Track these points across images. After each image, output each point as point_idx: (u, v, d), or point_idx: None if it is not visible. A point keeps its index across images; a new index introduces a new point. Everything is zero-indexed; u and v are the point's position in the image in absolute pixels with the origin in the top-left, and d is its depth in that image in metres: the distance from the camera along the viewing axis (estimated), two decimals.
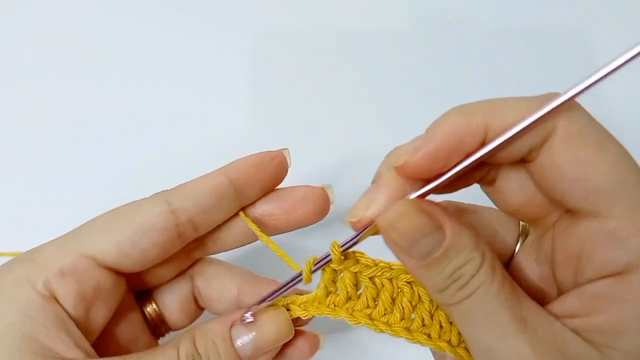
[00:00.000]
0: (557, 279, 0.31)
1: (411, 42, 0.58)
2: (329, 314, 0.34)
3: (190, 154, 0.53)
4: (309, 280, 0.34)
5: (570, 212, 0.30)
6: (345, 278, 0.34)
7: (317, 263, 0.34)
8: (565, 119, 0.28)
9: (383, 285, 0.34)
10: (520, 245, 0.34)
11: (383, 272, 0.33)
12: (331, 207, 0.39)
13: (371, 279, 0.34)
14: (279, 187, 0.39)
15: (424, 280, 0.30)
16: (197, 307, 0.41)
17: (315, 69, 0.57)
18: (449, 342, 0.33)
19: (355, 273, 0.34)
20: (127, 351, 0.35)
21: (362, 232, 0.31)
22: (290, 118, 0.55)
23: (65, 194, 0.51)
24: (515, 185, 0.32)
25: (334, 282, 0.34)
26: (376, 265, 0.34)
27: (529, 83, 0.55)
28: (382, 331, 0.33)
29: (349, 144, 0.54)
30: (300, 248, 0.45)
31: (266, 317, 0.35)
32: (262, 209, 0.38)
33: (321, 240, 0.48)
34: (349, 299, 0.34)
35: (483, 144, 0.28)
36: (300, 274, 0.34)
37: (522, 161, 0.30)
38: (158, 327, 0.40)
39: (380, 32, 0.58)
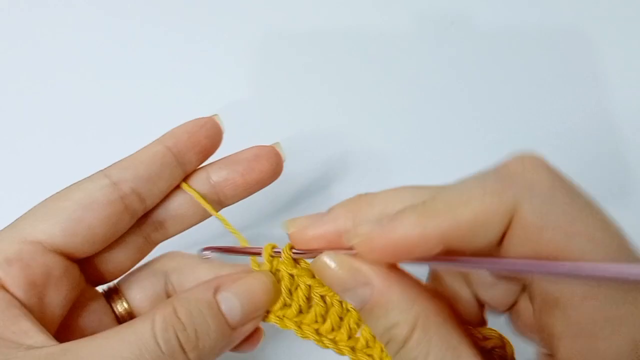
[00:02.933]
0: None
1: (413, 43, 0.58)
2: (276, 324, 0.34)
3: None
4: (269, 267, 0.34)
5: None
6: (299, 291, 0.34)
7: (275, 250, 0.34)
8: (528, 203, 0.26)
9: (333, 305, 0.34)
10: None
11: (335, 294, 0.33)
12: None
13: (322, 297, 0.34)
14: (230, 154, 0.39)
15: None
16: None
17: (317, 70, 0.57)
18: None
19: (309, 286, 0.34)
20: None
21: (302, 252, 0.32)
22: (290, 118, 0.55)
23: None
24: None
25: (290, 292, 0.34)
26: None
27: (532, 83, 0.56)
28: (327, 347, 0.33)
29: (350, 144, 0.54)
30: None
31: (252, 279, 0.34)
32: (217, 175, 0.38)
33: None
34: (300, 312, 0.34)
35: (443, 251, 0.26)
36: (260, 250, 0.34)
37: None
38: None
39: (382, 33, 0.59)
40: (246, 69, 0.57)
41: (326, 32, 0.58)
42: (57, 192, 0.34)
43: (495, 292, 0.31)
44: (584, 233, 0.25)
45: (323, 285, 0.33)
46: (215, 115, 0.38)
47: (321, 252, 0.31)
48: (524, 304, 0.31)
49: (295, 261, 0.34)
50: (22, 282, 0.31)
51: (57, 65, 0.56)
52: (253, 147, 0.39)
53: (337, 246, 0.30)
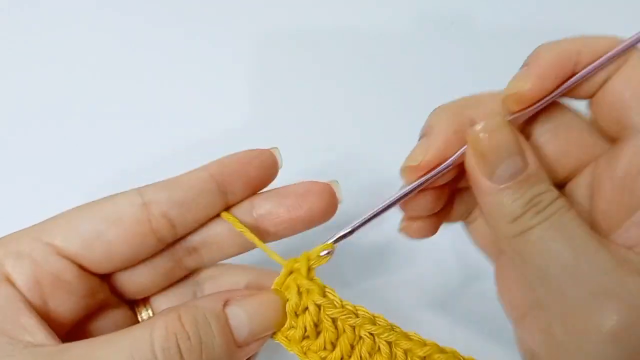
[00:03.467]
0: (598, 216, 0.31)
1: (413, 43, 0.58)
2: (282, 343, 0.32)
3: (188, 155, 0.50)
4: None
5: (621, 137, 0.30)
6: (307, 315, 0.32)
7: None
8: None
9: (344, 331, 0.32)
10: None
11: (348, 317, 0.31)
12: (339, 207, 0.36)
13: (334, 320, 0.31)
14: (280, 187, 0.36)
15: (498, 206, 0.29)
16: None
17: (317, 70, 0.57)
18: None
19: (319, 307, 0.31)
20: None
21: (419, 183, 0.31)
22: (291, 119, 0.55)
23: (61, 194, 0.48)
24: (547, 137, 0.32)
25: (297, 314, 0.32)
26: (342, 307, 0.32)
27: None
28: None
29: (351, 145, 0.54)
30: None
31: (265, 297, 0.32)
32: (261, 208, 0.35)
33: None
34: (305, 337, 0.32)
35: (573, 74, 0.30)
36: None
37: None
38: None
39: (382, 33, 0.59)
40: (246, 69, 0.57)
41: (326, 32, 0.59)
42: (89, 202, 0.33)
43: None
44: None
45: (335, 307, 0.31)
46: (275, 148, 0.36)
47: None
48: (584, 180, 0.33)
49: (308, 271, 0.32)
50: (27, 278, 0.31)
51: (57, 66, 0.57)
52: (305, 181, 0.36)
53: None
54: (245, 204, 0.35)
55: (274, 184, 0.37)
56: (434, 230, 0.35)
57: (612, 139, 0.31)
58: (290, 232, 0.35)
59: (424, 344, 0.31)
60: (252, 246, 0.36)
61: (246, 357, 0.32)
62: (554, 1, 0.60)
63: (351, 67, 0.57)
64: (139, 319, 0.36)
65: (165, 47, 0.58)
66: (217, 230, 0.35)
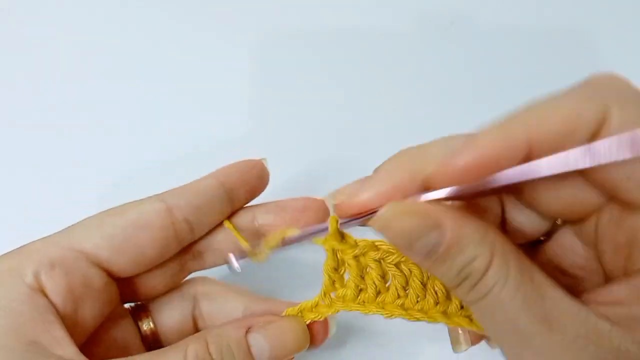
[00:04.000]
0: (603, 265, 0.30)
1: (413, 43, 0.58)
2: (357, 310, 0.33)
3: (188, 157, 0.53)
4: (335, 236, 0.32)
5: (621, 203, 0.28)
6: (372, 272, 0.32)
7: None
8: (618, 108, 0.26)
9: (411, 272, 0.32)
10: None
11: (408, 258, 0.31)
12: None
13: (397, 265, 0.32)
14: (279, 199, 0.39)
15: (435, 275, 0.29)
16: (195, 330, 0.39)
17: (316, 71, 0.57)
18: None
19: (380, 262, 0.32)
20: None
21: (348, 220, 0.30)
22: (291, 119, 0.55)
23: (63, 197, 0.51)
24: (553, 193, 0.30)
25: (336, 269, 0.33)
26: (399, 251, 0.32)
27: (533, 82, 0.54)
28: (417, 319, 0.32)
29: (352, 145, 0.54)
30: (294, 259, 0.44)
31: (283, 324, 0.34)
32: (262, 219, 0.38)
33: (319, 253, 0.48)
34: (378, 292, 0.32)
35: (526, 159, 0.26)
36: (325, 227, 0.32)
37: None
38: (152, 346, 0.38)
39: (382, 33, 0.59)
40: (246, 69, 0.57)
41: (326, 32, 0.58)
42: (112, 208, 0.35)
43: (535, 218, 0.31)
44: None
45: (393, 253, 0.32)
46: (264, 159, 0.39)
47: (371, 214, 0.29)
48: (564, 234, 0.31)
49: (342, 236, 0.32)
50: (61, 289, 0.31)
51: (56, 65, 0.57)
52: (303, 198, 0.38)
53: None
54: (247, 214, 0.38)
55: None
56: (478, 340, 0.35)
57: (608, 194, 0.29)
58: (287, 243, 0.38)
59: None
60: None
61: None
62: (554, 1, 0.59)
63: (351, 67, 0.58)
64: (140, 328, 0.37)
65: (165, 49, 0.58)
66: (220, 237, 0.38)
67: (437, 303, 0.32)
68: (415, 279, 0.32)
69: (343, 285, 0.33)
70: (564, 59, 0.57)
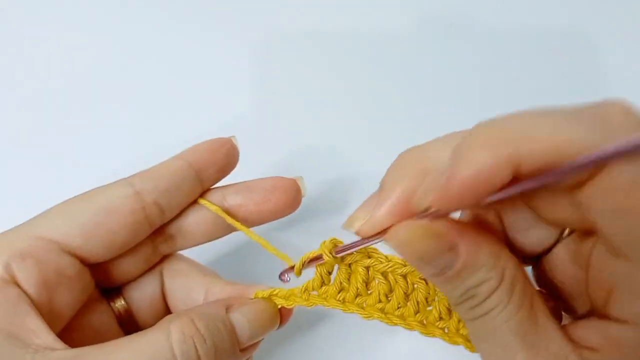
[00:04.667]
0: (588, 290, 0.29)
1: (413, 44, 0.58)
2: (337, 307, 0.34)
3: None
4: (299, 274, 0.34)
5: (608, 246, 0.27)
6: (357, 275, 0.33)
7: (310, 261, 0.34)
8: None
9: (396, 282, 0.33)
10: (566, 236, 0.31)
11: (396, 268, 0.33)
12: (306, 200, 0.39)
13: (384, 274, 0.33)
14: (248, 180, 0.39)
15: (440, 290, 0.30)
16: (166, 308, 0.39)
17: (317, 71, 0.57)
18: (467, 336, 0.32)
19: (368, 268, 0.33)
20: None
21: (358, 246, 0.31)
22: (291, 120, 0.55)
23: (65, 191, 0.50)
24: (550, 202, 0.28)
25: (329, 273, 0.34)
26: (389, 261, 0.33)
27: (533, 83, 0.55)
28: (395, 324, 0.33)
29: (353, 145, 0.54)
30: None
31: (259, 305, 0.35)
32: (232, 199, 0.38)
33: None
34: (358, 295, 0.34)
35: (516, 179, 0.24)
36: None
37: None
38: (127, 325, 0.38)
39: (382, 34, 0.58)
40: (247, 69, 0.56)
41: (326, 33, 0.58)
42: (78, 195, 0.35)
43: (533, 234, 0.30)
44: None
45: (382, 262, 0.33)
46: (233, 136, 0.39)
47: (380, 237, 0.29)
48: (562, 250, 0.30)
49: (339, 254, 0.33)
50: (34, 279, 0.31)
51: (58, 62, 0.56)
52: (272, 177, 0.39)
53: (407, 217, 0.28)
54: (217, 194, 0.38)
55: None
56: None
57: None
58: (258, 222, 0.39)
59: None
60: (222, 234, 0.39)
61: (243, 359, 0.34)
62: (554, 1, 0.59)
63: (351, 68, 0.57)
64: (113, 308, 0.37)
65: (168, 47, 0.58)
66: (193, 219, 0.38)
67: (416, 312, 0.33)
68: (399, 288, 0.33)
69: (328, 284, 0.34)
70: (564, 59, 0.57)
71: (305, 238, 0.49)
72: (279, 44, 0.58)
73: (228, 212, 0.38)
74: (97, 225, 0.33)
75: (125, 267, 0.37)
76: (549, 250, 0.31)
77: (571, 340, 0.27)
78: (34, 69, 0.56)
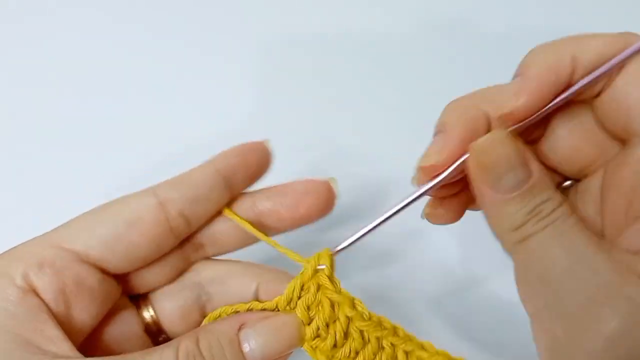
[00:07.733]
0: (605, 220, 0.31)
1: (413, 44, 0.58)
2: (306, 351, 0.33)
3: (190, 157, 0.51)
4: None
5: (627, 144, 0.30)
6: (338, 324, 0.33)
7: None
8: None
9: (369, 341, 0.33)
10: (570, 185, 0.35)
11: (375, 329, 0.33)
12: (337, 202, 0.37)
13: (361, 332, 0.33)
14: (279, 184, 0.37)
15: (502, 216, 0.30)
16: (200, 317, 0.37)
17: (316, 72, 0.57)
18: None
19: (349, 319, 0.33)
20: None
21: (432, 183, 0.31)
22: (292, 120, 0.55)
23: (67, 197, 0.49)
24: (563, 132, 0.33)
25: (309, 309, 0.33)
26: (370, 319, 0.33)
27: None
28: None
29: (353, 146, 0.54)
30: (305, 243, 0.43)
31: (279, 320, 0.33)
32: (263, 205, 0.36)
33: (328, 235, 0.48)
34: (334, 346, 0.33)
35: (571, 81, 0.29)
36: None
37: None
38: (156, 335, 0.37)
39: (382, 34, 0.58)
40: (247, 70, 0.57)
41: (326, 33, 0.59)
42: (101, 205, 0.34)
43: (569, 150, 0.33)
44: None
45: (364, 320, 0.33)
46: (266, 140, 0.37)
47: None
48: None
49: (332, 281, 0.33)
50: (52, 288, 0.31)
51: (59, 66, 0.57)
52: (305, 180, 0.37)
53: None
54: (247, 201, 0.37)
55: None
56: (458, 215, 0.35)
57: (621, 141, 0.31)
58: (290, 227, 0.37)
59: (436, 353, 0.33)
60: (254, 240, 0.37)
61: None
62: (554, 1, 0.60)
63: (351, 68, 0.57)
64: (142, 317, 0.36)
65: (170, 51, 0.58)
66: (221, 226, 0.36)
67: None
68: (369, 348, 0.33)
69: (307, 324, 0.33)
70: None
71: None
72: (278, 44, 0.58)
73: (259, 218, 0.36)
74: (117, 237, 0.32)
75: (152, 277, 0.36)
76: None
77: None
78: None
